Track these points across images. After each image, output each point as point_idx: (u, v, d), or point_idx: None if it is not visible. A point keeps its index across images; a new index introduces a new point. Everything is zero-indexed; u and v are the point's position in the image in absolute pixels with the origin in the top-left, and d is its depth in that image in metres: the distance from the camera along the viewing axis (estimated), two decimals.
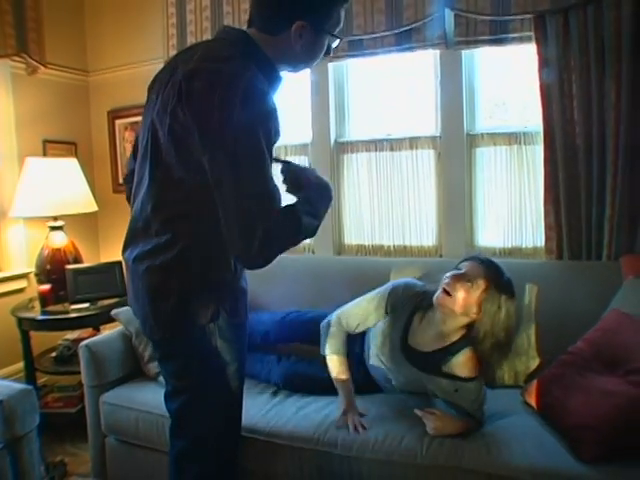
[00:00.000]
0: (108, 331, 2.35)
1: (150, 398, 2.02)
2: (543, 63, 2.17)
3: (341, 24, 1.29)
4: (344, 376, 1.83)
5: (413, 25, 2.37)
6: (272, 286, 2.59)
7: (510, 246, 2.46)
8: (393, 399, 1.88)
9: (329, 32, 1.25)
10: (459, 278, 1.66)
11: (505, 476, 1.47)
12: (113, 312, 2.27)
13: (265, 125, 1.11)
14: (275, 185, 1.14)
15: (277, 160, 1.27)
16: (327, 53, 1.31)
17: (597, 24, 2.05)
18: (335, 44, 1.31)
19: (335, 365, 1.85)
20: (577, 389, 1.59)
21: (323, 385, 1.92)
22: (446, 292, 1.66)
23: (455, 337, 1.72)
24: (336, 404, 1.83)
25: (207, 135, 1.10)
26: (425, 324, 1.78)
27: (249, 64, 1.15)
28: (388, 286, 1.90)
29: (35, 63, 2.82)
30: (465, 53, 2.43)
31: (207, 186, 1.13)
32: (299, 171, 1.31)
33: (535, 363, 1.99)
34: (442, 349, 1.73)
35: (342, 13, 1.27)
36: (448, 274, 1.70)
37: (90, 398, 2.15)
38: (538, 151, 2.30)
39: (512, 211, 2.45)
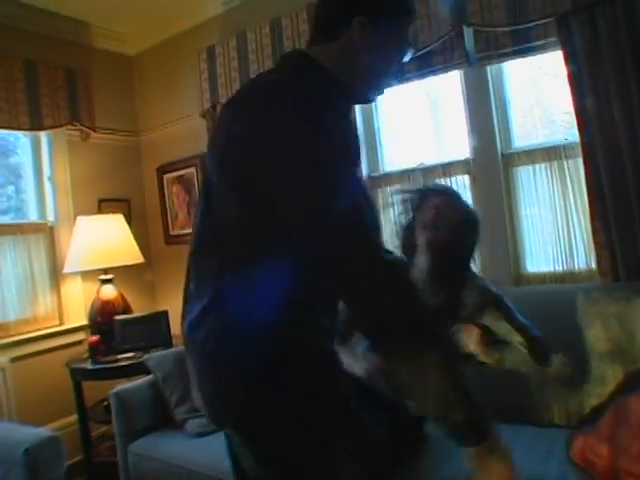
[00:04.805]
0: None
1: (174, 448, 1.98)
2: (572, 66, 1.98)
3: (409, 38, 1.13)
4: None
5: (430, 48, 2.28)
6: None
7: (561, 270, 2.20)
8: None
9: (396, 36, 1.09)
10: None
11: None
12: (144, 357, 2.29)
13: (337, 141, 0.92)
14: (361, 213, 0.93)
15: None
16: (400, 73, 1.16)
17: (628, 17, 1.84)
18: (407, 57, 1.14)
19: None
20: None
21: None
22: None
23: None
24: None
25: (269, 166, 0.93)
26: None
27: (298, 79, 1.01)
28: None
29: (86, 129, 3.07)
30: (491, 69, 2.29)
31: (266, 223, 0.95)
32: None
33: (591, 402, 1.71)
34: None
35: (408, 27, 1.12)
36: None
37: (121, 447, 2.15)
38: (581, 164, 2.06)
39: (559, 232, 2.20)
